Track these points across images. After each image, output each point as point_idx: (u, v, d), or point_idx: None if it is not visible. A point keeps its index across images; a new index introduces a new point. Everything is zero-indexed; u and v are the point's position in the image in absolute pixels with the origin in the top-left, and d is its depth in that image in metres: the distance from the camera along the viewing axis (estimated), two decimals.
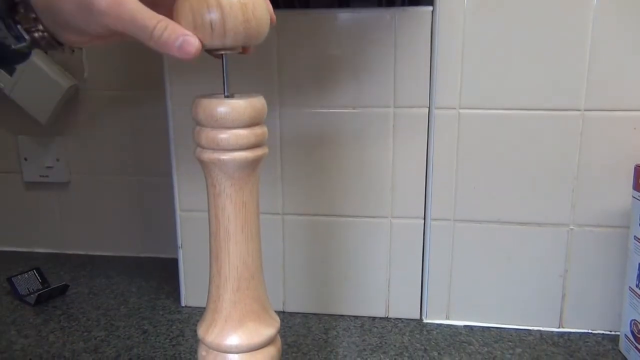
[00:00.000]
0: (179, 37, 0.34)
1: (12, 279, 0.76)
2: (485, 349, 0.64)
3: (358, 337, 0.66)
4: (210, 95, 0.40)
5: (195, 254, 0.69)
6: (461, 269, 0.68)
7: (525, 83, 0.62)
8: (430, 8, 0.62)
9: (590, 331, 0.67)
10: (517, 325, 0.68)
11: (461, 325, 0.69)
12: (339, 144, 0.66)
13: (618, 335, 0.64)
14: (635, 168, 0.60)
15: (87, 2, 0.33)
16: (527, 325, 0.68)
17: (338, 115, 0.66)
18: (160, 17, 0.35)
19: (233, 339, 0.41)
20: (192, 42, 0.34)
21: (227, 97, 0.39)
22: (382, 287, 0.70)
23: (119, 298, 0.75)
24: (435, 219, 0.67)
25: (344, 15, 0.63)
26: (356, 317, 0.71)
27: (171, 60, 0.67)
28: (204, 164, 0.39)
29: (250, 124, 0.38)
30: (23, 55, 0.39)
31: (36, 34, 0.36)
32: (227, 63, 0.39)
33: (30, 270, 0.77)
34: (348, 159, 0.67)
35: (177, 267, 0.73)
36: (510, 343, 0.65)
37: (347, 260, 0.70)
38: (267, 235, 0.69)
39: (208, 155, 0.38)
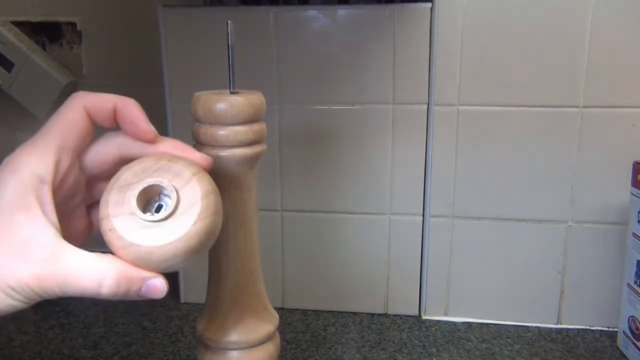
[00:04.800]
0: (138, 286, 0.31)
1: None
2: (484, 346, 0.63)
3: (357, 333, 0.66)
4: (209, 91, 0.40)
5: None
6: (460, 266, 0.68)
7: (524, 80, 0.62)
8: (429, 4, 0.61)
9: (588, 328, 0.66)
10: (515, 321, 0.68)
11: (460, 322, 0.69)
12: (337, 140, 0.66)
13: (616, 331, 0.64)
14: (633, 165, 0.60)
15: None
16: (526, 322, 0.68)
17: (337, 112, 0.66)
18: (105, 263, 0.30)
19: (232, 336, 0.41)
20: (157, 286, 0.31)
21: (233, 93, 0.39)
22: (381, 283, 0.70)
23: None
24: (434, 216, 0.67)
25: (343, 12, 0.63)
26: (355, 313, 0.71)
27: (171, 58, 0.67)
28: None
29: (249, 120, 0.38)
30: None
31: None
32: (233, 58, 0.39)
33: None
34: (347, 155, 0.67)
35: None
36: (508, 339, 0.65)
37: (345, 257, 0.69)
38: (265, 232, 0.68)
39: (207, 152, 0.38)
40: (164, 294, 0.31)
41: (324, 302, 0.71)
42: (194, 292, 0.72)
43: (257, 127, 0.39)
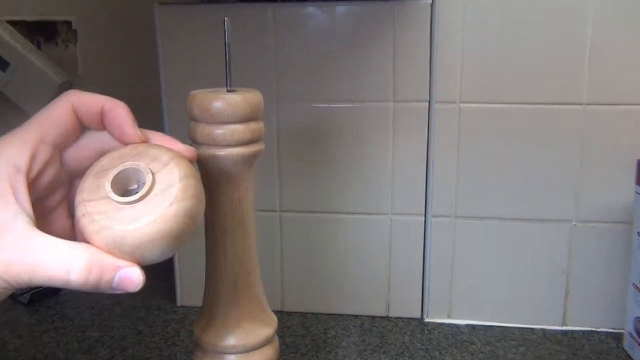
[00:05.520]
0: (111, 274, 0.30)
1: None
2: (488, 348, 0.63)
3: (358, 337, 0.66)
4: (206, 90, 0.40)
5: (190, 252, 0.68)
6: (463, 267, 0.68)
7: (526, 76, 0.62)
8: (430, 0, 0.61)
9: (594, 329, 0.66)
10: (520, 323, 0.68)
11: (463, 324, 0.69)
12: (337, 139, 0.66)
13: (622, 333, 0.64)
14: (637, 163, 0.59)
15: None
16: (530, 324, 0.68)
17: (336, 109, 0.66)
18: (76, 250, 0.29)
19: (230, 339, 0.41)
20: (132, 277, 0.30)
21: (230, 91, 0.39)
22: (383, 285, 0.70)
23: (113, 298, 0.75)
24: (435, 216, 0.67)
25: (342, 8, 0.63)
26: (356, 316, 0.70)
27: (167, 56, 0.67)
28: (199, 160, 0.39)
29: (247, 119, 0.39)
30: None
31: None
32: (230, 56, 0.40)
33: None
34: (347, 154, 0.67)
35: (172, 265, 0.73)
36: (513, 342, 0.65)
37: (346, 258, 0.69)
38: (263, 233, 0.68)
39: (203, 151, 0.38)
40: (139, 286, 0.30)
41: (323, 305, 0.71)
42: (190, 295, 0.72)
43: (254, 125, 0.39)
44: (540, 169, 0.64)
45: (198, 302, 0.43)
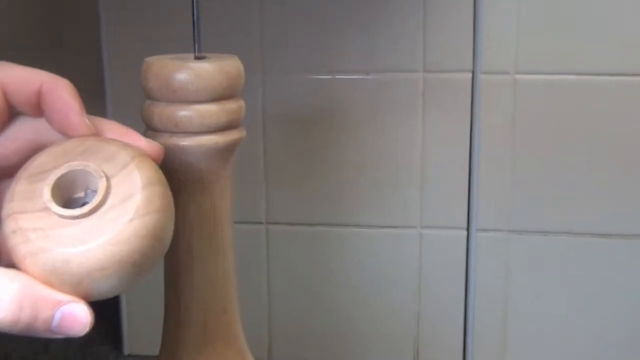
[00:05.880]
0: (49, 313, 0.30)
1: None
2: None
3: None
4: (166, 56, 0.41)
5: (142, 282, 0.70)
6: (520, 299, 0.68)
7: (608, 37, 0.62)
8: None
9: None
10: None
11: None
12: (345, 124, 0.67)
13: None
14: None
15: None
16: None
17: (344, 83, 0.66)
18: (3, 276, 0.30)
19: None
20: (77, 315, 0.30)
21: (198, 58, 0.40)
22: (409, 326, 0.70)
23: (36, 343, 0.75)
24: (483, 230, 0.68)
25: None
26: None
27: (111, 13, 0.67)
28: None
29: (221, 96, 0.39)
30: None
31: None
32: (198, 9, 0.40)
33: None
34: (358, 146, 0.67)
35: (117, 301, 0.73)
36: None
37: (357, 289, 0.70)
38: (245, 252, 0.69)
39: (163, 141, 0.38)
40: (87, 328, 0.31)
41: (325, 354, 0.71)
42: (142, 340, 0.73)
43: (232, 105, 0.40)
44: (625, 166, 0.64)
45: (153, 350, 0.44)
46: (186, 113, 0.38)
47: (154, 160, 0.35)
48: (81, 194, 0.33)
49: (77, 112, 0.34)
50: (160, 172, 0.34)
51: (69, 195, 0.33)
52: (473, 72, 0.65)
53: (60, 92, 0.34)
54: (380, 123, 0.67)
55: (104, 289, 0.31)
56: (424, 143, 0.67)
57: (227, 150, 0.40)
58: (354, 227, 0.70)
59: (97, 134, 0.35)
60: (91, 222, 0.31)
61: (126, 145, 0.34)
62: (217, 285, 0.42)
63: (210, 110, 0.39)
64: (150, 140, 0.36)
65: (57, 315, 0.30)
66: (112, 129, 0.35)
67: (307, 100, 0.67)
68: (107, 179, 0.32)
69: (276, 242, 0.71)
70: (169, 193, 0.34)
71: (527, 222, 0.67)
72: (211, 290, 0.42)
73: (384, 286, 0.70)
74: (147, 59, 0.40)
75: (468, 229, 0.68)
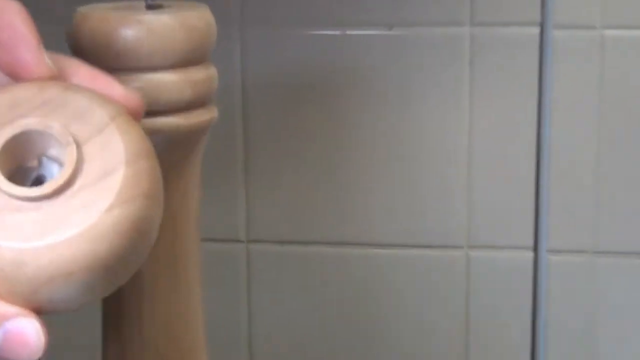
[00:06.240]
0: None
1: None
2: None
3: None
4: (107, 5, 0.41)
5: (72, 317, 0.62)
6: (608, 339, 0.63)
7: None
8: None
9: None
10: None
11: None
12: (358, 102, 0.62)
13: None
14: None
15: None
16: None
17: (357, 41, 0.62)
18: None
19: None
20: (26, 332, 0.29)
21: (151, 6, 0.40)
22: None
23: None
24: (555, 251, 0.62)
25: None
26: None
27: None
28: None
29: (185, 61, 0.38)
30: None
31: None
32: None
33: None
34: (377, 133, 0.62)
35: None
36: None
37: (375, 327, 0.65)
38: (219, 280, 0.66)
39: None
40: (38, 351, 0.29)
41: None
42: None
43: (199, 74, 0.38)
44: None
45: None
46: (135, 85, 0.37)
47: (134, 114, 0.34)
48: (33, 163, 0.31)
49: (32, 45, 0.32)
50: (148, 139, 0.32)
51: (21, 165, 0.31)
52: (542, 26, 0.60)
53: (9, 17, 0.33)
54: (409, 100, 0.61)
55: (65, 300, 0.29)
56: (472, 129, 0.61)
57: (192, 138, 0.40)
58: (368, 246, 0.64)
59: (60, 78, 0.34)
60: (54, 208, 0.29)
61: (102, 99, 0.32)
62: (177, 328, 0.41)
63: (169, 82, 0.37)
64: (129, 89, 0.35)
65: (0, 332, 0.29)
66: (82, 71, 0.34)
67: (304, 67, 0.63)
68: (78, 146, 0.30)
69: (259, 265, 0.67)
70: (159, 170, 0.32)
71: (618, 241, 0.62)
72: (168, 338, 0.41)
73: (413, 326, 0.65)
74: (81, 9, 0.38)
75: (536, 249, 0.63)
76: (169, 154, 0.38)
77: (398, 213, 0.64)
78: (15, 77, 0.32)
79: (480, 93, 0.61)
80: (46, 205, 0.28)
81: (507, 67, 0.61)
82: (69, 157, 0.29)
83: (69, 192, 0.29)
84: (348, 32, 0.61)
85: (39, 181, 0.30)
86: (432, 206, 0.64)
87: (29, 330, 0.29)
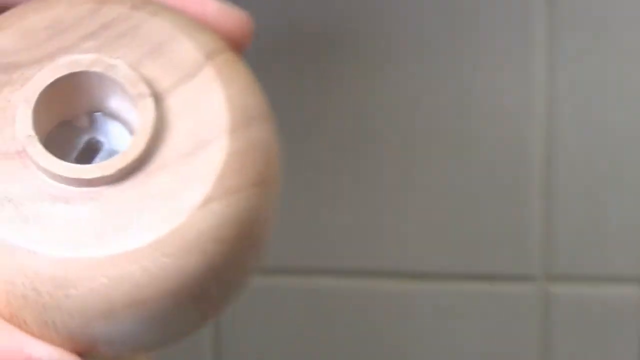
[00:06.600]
0: None
1: None
2: None
3: None
4: None
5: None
6: None
7: None
8: None
9: None
10: None
11: None
12: (380, 66, 0.52)
13: None
14: None
15: None
16: None
17: None
18: None
19: None
20: None
21: None
22: None
23: None
24: None
25: None
26: None
27: None
28: None
29: None
30: None
31: None
32: None
33: None
34: (411, 112, 0.53)
35: None
36: None
37: None
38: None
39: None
40: None
41: None
42: None
43: None
44: None
45: None
46: None
47: (240, 41, 0.27)
48: (83, 122, 0.25)
49: None
50: (261, 91, 0.26)
51: (58, 123, 0.25)
52: None
53: None
54: (459, 61, 0.50)
55: (132, 340, 0.24)
56: (551, 103, 0.51)
57: None
58: (396, 278, 0.55)
59: None
60: (120, 199, 0.24)
61: (194, 25, 0.26)
62: None
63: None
64: (233, 7, 0.28)
65: None
66: None
67: (306, 16, 0.52)
68: (157, 99, 0.24)
69: (252, 300, 0.57)
70: (277, 140, 0.26)
71: None
72: None
73: None
74: None
75: None
76: None
77: (449, 238, 0.55)
78: None
79: (564, 71, 0.51)
80: (107, 193, 0.23)
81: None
82: (143, 117, 0.23)
83: (141, 175, 0.23)
84: None
85: (91, 150, 0.25)
86: (498, 225, 0.55)
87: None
